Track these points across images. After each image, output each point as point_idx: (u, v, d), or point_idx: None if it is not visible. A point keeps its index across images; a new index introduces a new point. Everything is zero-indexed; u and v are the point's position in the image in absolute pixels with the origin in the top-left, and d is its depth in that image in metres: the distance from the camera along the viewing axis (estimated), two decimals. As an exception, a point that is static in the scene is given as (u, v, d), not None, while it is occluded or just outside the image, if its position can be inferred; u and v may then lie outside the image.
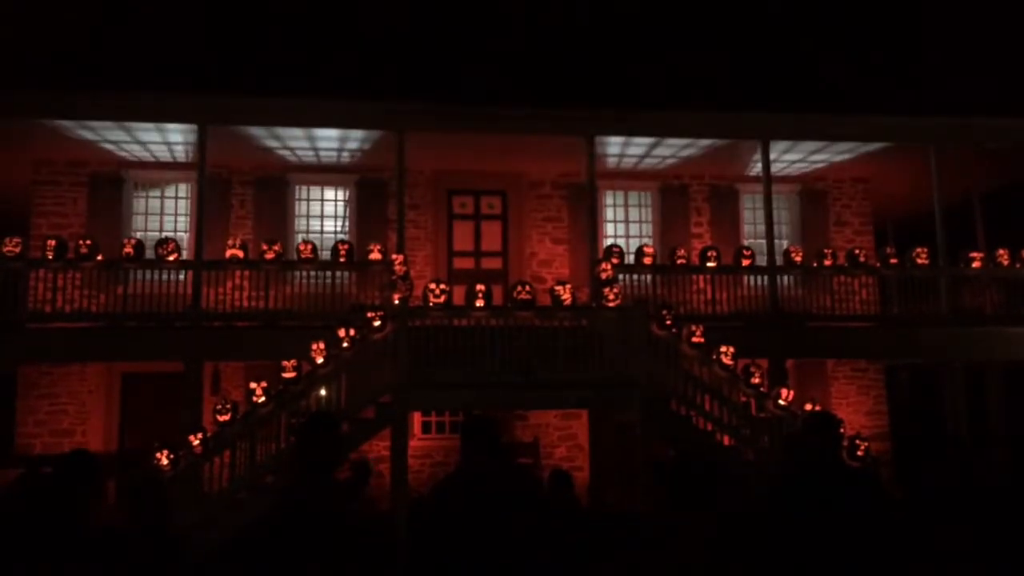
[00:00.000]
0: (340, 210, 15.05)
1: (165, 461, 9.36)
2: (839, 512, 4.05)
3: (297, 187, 14.96)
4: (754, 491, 5.07)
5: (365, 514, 4.32)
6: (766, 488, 4.78)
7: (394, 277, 11.55)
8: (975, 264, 13.40)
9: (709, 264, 12.89)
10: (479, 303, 11.13)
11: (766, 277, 13.08)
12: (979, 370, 14.51)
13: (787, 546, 3.99)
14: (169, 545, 4.96)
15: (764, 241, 13.66)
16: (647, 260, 12.86)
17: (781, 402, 10.54)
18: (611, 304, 11.40)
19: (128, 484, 7.76)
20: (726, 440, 10.52)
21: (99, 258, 11.84)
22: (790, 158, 14.73)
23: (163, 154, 13.91)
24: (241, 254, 12.15)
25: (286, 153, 14.10)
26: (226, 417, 10.02)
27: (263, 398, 10.15)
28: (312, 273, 12.20)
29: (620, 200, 15.72)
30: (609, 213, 15.59)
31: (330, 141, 13.60)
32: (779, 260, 13.40)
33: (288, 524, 3.83)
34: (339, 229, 14.86)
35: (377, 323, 10.65)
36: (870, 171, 15.64)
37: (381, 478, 13.45)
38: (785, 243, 14.98)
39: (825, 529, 4.00)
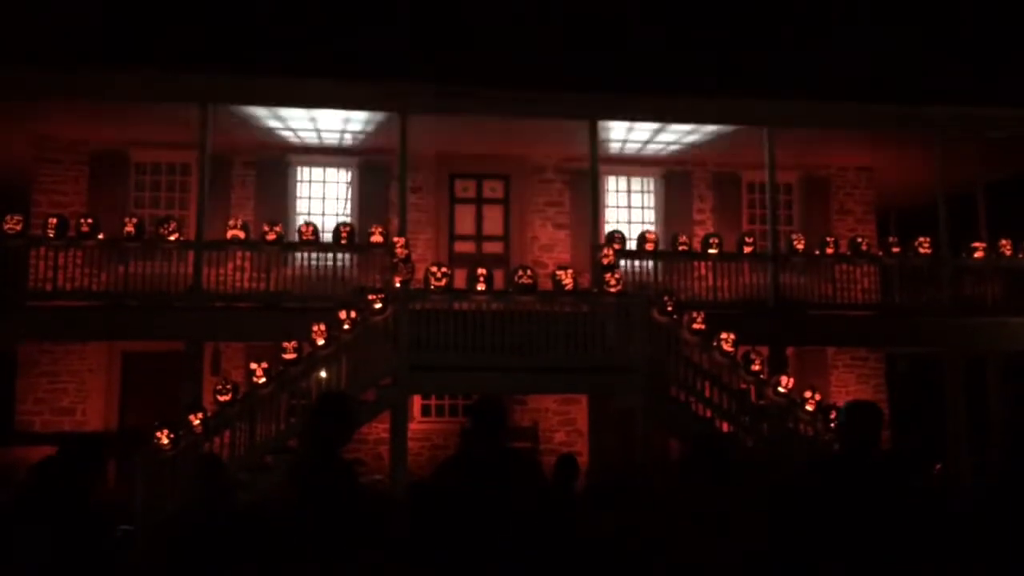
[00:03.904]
0: (342, 192, 15.00)
1: (165, 440, 9.39)
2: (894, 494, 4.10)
3: (299, 168, 14.90)
4: (801, 471, 5.16)
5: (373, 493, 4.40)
6: (815, 467, 4.86)
7: (395, 260, 11.54)
8: (977, 254, 13.40)
9: (711, 251, 12.87)
10: (480, 287, 11.14)
11: (768, 264, 13.07)
12: (980, 360, 14.52)
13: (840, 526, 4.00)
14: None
15: (767, 228, 13.63)
16: (649, 246, 12.85)
17: (781, 389, 10.57)
18: (612, 290, 11.40)
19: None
20: (725, 427, 10.54)
21: (100, 237, 11.82)
22: (795, 145, 14.65)
23: (164, 133, 13.84)
24: (242, 235, 12.14)
25: (288, 134, 14.04)
26: (226, 397, 10.05)
27: (263, 379, 10.19)
28: (313, 255, 12.19)
29: (623, 186, 15.65)
30: (611, 199, 15.50)
31: (332, 122, 13.54)
32: (781, 247, 13.38)
33: (299, 500, 3.89)
34: (341, 211, 14.82)
35: (378, 306, 10.65)
36: (874, 160, 15.58)
37: (380, 461, 13.50)
38: (788, 231, 14.94)
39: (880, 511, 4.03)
